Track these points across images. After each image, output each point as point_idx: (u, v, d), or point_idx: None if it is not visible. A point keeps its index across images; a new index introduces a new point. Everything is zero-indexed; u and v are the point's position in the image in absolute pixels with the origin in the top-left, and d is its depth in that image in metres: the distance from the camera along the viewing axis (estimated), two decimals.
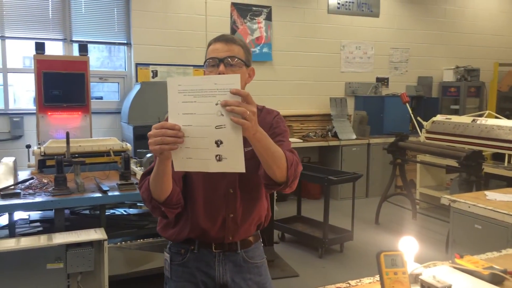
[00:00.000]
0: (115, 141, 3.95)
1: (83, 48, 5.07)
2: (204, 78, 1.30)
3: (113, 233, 3.22)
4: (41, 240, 2.71)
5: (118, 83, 6.08)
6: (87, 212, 3.74)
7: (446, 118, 5.90)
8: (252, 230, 1.72)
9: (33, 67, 4.83)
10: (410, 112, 6.00)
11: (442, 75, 7.64)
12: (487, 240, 2.54)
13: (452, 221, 2.87)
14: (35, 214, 3.69)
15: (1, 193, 2.95)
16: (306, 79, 6.82)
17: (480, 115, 5.76)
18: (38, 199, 2.95)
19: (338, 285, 1.58)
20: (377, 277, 1.41)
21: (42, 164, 3.68)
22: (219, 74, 1.52)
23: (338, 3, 6.97)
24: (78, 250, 2.77)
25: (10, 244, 2.67)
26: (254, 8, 6.44)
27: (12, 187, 3.06)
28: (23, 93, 5.86)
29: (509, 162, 5.06)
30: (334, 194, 6.23)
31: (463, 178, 4.46)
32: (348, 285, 1.59)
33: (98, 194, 3.07)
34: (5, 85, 5.53)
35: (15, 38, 5.53)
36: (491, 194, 2.87)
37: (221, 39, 1.59)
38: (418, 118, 6.00)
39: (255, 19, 6.46)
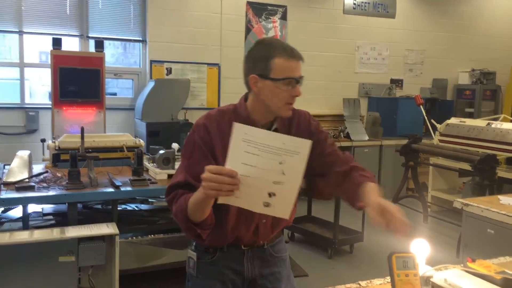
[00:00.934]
0: (128, 137, 3.99)
1: (99, 44, 5.13)
2: (272, 134, 1.30)
3: (124, 228, 3.25)
4: (54, 233, 2.75)
5: (132, 79, 6.13)
6: (99, 206, 3.78)
7: (461, 121, 5.83)
8: (281, 231, 1.76)
9: (49, 62, 4.89)
10: (424, 114, 5.95)
11: (458, 78, 7.57)
12: (500, 245, 2.51)
13: (464, 225, 2.84)
14: (48, 207, 3.74)
15: (16, 185, 2.99)
16: (320, 79, 6.80)
17: (495, 119, 5.69)
18: (51, 192, 2.99)
19: (348, 285, 1.58)
20: (388, 279, 1.41)
21: (56, 158, 3.73)
22: (295, 96, 1.51)
23: (354, 3, 6.93)
24: (90, 244, 2.80)
25: (24, 236, 2.72)
26: (269, 7, 6.44)
27: (27, 180, 3.11)
28: (39, 87, 5.94)
29: None
30: None
31: (476, 182, 4.42)
32: (358, 285, 1.59)
33: (111, 189, 3.10)
34: (22, 79, 5.61)
35: (32, 33, 5.61)
36: (504, 199, 2.84)
37: (296, 56, 1.50)
38: (432, 120, 5.94)
39: (270, 18, 6.46)
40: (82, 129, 3.45)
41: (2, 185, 3.01)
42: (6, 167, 3.43)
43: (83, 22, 5.72)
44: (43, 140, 4.13)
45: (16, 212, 3.67)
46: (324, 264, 4.19)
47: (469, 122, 5.77)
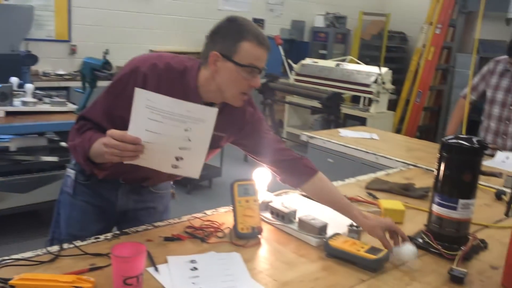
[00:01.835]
0: None
1: None
2: (176, 102, 1.20)
3: None
4: None
5: None
6: None
7: (314, 62, 6.22)
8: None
9: None
10: (283, 54, 6.19)
11: (314, 21, 7.94)
12: (338, 172, 2.78)
13: (309, 156, 3.09)
14: None
15: None
16: (180, 14, 6.57)
17: (343, 60, 6.17)
18: None
19: (194, 214, 1.62)
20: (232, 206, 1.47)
21: None
22: (253, 87, 1.39)
23: None
24: None
25: None
26: None
27: None
28: None
29: (364, 104, 5.57)
30: None
31: (324, 118, 4.81)
32: (204, 214, 1.64)
33: None
34: None
35: None
36: (343, 132, 3.14)
37: (266, 45, 1.38)
38: (289, 60, 6.23)
39: None
40: None
41: None
42: None
43: None
44: None
45: None
46: (183, 199, 4.26)
47: (321, 62, 6.18)
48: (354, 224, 1.43)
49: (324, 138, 2.93)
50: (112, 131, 1.20)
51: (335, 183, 2.06)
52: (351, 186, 2.06)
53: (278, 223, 1.53)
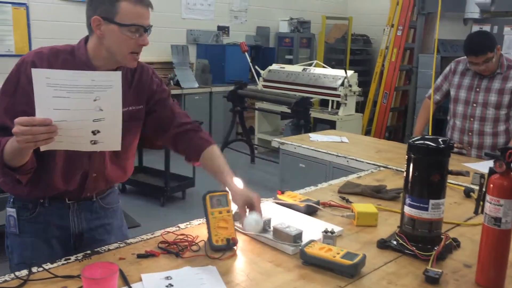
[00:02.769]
0: None
1: None
2: (78, 73, 1.19)
3: None
4: None
5: None
6: None
7: (281, 67, 6.26)
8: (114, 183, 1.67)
9: None
10: (249, 61, 6.20)
11: (278, 26, 8.00)
12: (309, 176, 2.80)
13: (281, 162, 3.10)
14: None
15: None
16: None
17: (310, 65, 6.23)
18: None
19: (167, 229, 1.59)
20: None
21: None
22: (142, 45, 1.41)
23: None
24: None
25: None
26: None
27: None
28: None
29: (332, 107, 5.63)
30: None
31: (294, 123, 4.84)
32: (177, 228, 1.61)
33: None
34: None
35: None
36: (314, 136, 3.16)
37: (145, 2, 1.39)
38: (256, 67, 6.25)
39: None
40: None
41: None
42: None
43: None
44: None
45: None
46: (157, 212, 4.20)
47: (288, 68, 6.22)
48: (329, 229, 1.43)
49: (295, 143, 2.94)
50: (19, 118, 1.17)
51: (307, 189, 2.06)
52: (324, 190, 2.06)
53: (252, 233, 1.51)
